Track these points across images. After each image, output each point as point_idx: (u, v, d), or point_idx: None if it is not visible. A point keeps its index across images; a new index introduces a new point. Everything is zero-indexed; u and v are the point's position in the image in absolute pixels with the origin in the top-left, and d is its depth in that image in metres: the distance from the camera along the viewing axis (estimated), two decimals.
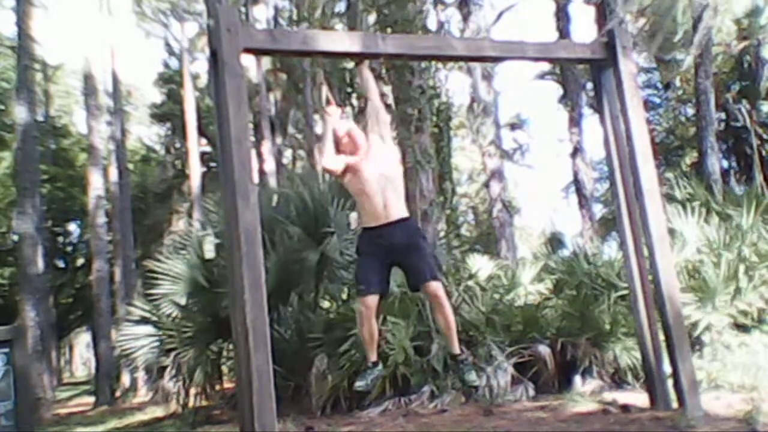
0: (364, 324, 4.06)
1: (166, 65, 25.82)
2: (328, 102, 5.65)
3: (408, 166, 7.78)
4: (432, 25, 8.43)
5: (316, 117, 18.76)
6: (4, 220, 20.81)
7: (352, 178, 4.16)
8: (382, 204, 4.04)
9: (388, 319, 6.46)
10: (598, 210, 19.25)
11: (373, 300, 4.00)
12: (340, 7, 15.84)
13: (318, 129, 18.51)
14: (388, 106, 8.34)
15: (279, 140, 21.90)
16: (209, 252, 8.19)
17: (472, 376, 4.25)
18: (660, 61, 17.00)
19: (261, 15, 21.08)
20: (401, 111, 7.68)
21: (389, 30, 7.67)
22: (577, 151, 14.47)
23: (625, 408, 5.04)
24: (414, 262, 4.04)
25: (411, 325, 6.61)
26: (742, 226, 7.56)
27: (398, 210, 4.10)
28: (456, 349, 4.25)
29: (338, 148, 4.23)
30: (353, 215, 8.14)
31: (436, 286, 4.01)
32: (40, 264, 13.43)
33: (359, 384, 4.18)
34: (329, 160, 4.15)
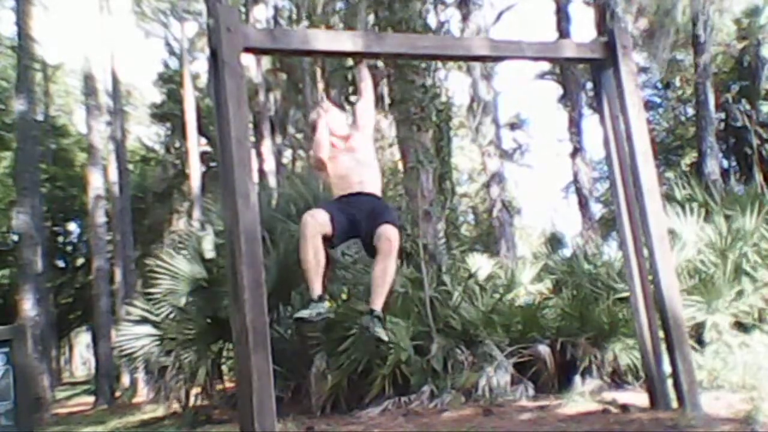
0: (307, 240, 3.73)
1: (166, 65, 25.81)
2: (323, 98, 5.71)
3: (409, 166, 7.77)
4: (432, 24, 8.41)
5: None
6: (4, 220, 20.81)
7: (329, 165, 4.22)
8: (358, 180, 4.11)
9: (388, 318, 6.46)
10: (598, 210, 19.29)
11: (323, 215, 3.82)
12: (341, 6, 15.85)
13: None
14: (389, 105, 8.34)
15: (279, 140, 21.89)
16: (209, 251, 8.19)
17: (381, 331, 3.84)
18: (655, 57, 16.99)
19: (261, 15, 21.09)
20: (403, 110, 7.67)
21: (390, 29, 7.66)
22: (577, 151, 14.47)
23: (625, 408, 5.04)
24: (377, 216, 3.91)
25: (411, 325, 6.61)
26: (744, 227, 7.54)
27: (373, 187, 4.14)
28: (378, 305, 3.88)
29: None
30: None
31: (391, 230, 3.80)
32: (40, 264, 13.44)
33: (302, 312, 3.81)
34: (324, 151, 4.20)
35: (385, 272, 3.83)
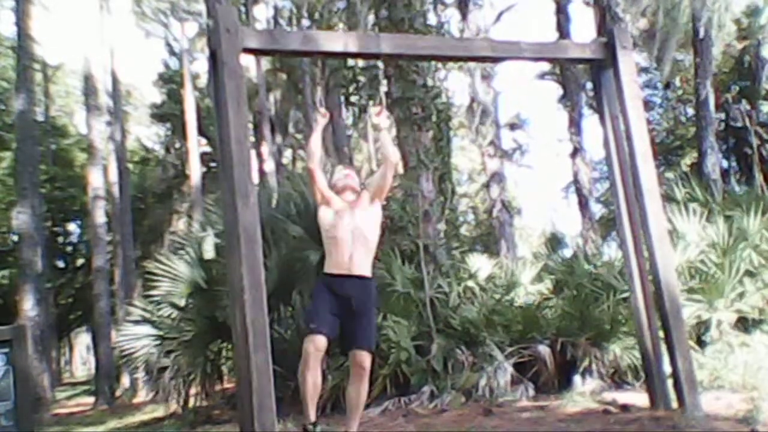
0: (309, 369, 3.80)
1: (166, 65, 25.83)
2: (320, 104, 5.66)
3: (409, 166, 7.77)
4: (432, 24, 8.43)
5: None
6: (4, 220, 20.81)
7: (326, 218, 4.19)
8: (349, 255, 4.07)
9: (389, 317, 6.46)
10: (598, 210, 19.29)
11: (323, 342, 3.86)
12: (341, 6, 15.85)
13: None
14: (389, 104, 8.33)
15: (279, 140, 21.90)
16: (209, 252, 8.19)
17: None
18: (660, 60, 17.01)
19: (261, 15, 21.11)
20: (404, 109, 7.66)
21: (390, 29, 7.65)
22: (577, 151, 14.47)
23: (625, 408, 5.04)
24: (357, 325, 3.98)
25: (412, 325, 6.61)
26: (746, 228, 7.53)
27: (363, 267, 4.11)
28: (353, 427, 4.03)
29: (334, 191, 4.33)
30: None
31: (365, 357, 3.95)
32: (40, 264, 13.44)
33: None
34: (314, 160, 4.23)
35: (359, 394, 4.03)
